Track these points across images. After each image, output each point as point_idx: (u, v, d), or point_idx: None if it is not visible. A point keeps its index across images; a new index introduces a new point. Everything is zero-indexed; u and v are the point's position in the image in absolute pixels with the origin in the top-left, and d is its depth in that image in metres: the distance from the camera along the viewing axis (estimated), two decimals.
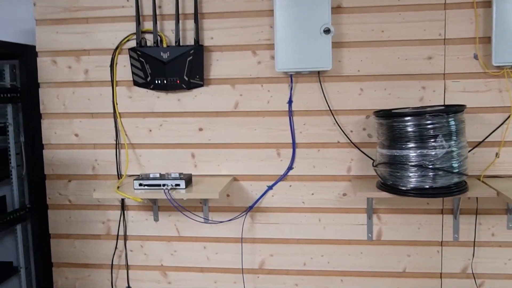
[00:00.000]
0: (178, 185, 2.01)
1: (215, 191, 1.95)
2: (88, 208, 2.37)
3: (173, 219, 2.32)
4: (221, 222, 2.27)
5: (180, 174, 2.05)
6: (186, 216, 2.29)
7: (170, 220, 2.32)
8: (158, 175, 2.06)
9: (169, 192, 1.96)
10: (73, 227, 2.39)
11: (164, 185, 2.01)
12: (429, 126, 1.79)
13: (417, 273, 2.20)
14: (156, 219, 2.33)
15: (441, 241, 2.17)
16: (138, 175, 2.19)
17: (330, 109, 2.16)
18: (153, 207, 2.31)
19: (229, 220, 2.26)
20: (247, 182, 2.25)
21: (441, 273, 2.19)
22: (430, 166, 1.78)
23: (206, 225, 2.29)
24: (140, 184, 2.03)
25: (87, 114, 2.32)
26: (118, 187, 2.09)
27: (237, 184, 2.25)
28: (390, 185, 1.89)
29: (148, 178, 2.04)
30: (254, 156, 2.23)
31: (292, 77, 2.16)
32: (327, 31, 2.00)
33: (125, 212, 2.34)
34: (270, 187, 2.24)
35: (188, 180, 2.07)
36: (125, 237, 2.36)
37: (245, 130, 2.22)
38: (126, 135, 2.30)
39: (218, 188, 2.00)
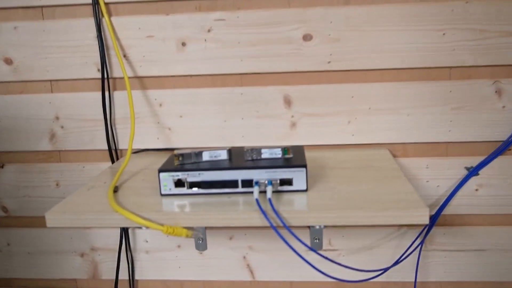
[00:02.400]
0: (288, 181, 0.71)
1: (415, 204, 0.66)
2: None
3: (238, 247, 1.04)
4: (369, 280, 1.00)
5: (284, 149, 0.75)
6: (287, 243, 1.01)
7: (232, 249, 1.04)
8: (225, 154, 0.76)
9: (271, 202, 0.66)
10: (17, 264, 1.11)
11: (255, 183, 0.71)
12: None
13: None
14: (201, 246, 1.04)
15: None
16: (173, 153, 0.90)
17: None
18: None
19: (384, 270, 0.99)
20: (416, 159, 0.97)
21: None
22: None
23: (310, 259, 1.01)
24: (180, 182, 0.72)
25: (30, 8, 0.98)
26: (115, 190, 0.78)
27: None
28: None
29: (201, 167, 0.73)
30: (432, 99, 0.93)
31: None
32: None
33: (129, 231, 1.06)
34: (473, 171, 0.96)
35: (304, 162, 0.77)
36: (132, 284, 1.08)
37: (414, 36, 0.91)
38: (124, 56, 0.97)
39: (396, 191, 0.72)
